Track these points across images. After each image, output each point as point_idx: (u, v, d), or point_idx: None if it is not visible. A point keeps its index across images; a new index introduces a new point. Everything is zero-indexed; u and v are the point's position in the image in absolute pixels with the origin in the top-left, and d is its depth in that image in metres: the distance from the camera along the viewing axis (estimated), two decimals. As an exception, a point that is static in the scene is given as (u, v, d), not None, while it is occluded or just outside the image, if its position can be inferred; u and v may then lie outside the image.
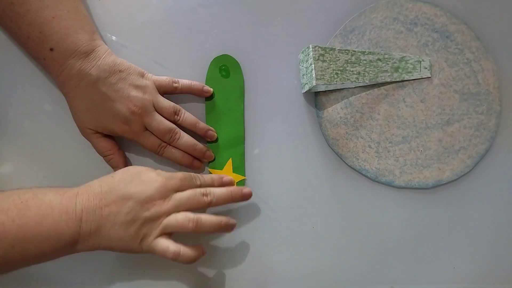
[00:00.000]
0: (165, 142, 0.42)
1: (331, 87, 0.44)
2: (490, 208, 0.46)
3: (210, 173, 0.44)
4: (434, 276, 0.45)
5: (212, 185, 0.42)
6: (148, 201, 0.37)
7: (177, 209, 0.38)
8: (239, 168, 0.45)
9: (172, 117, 0.42)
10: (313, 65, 0.41)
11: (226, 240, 0.45)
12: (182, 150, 0.42)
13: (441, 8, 0.45)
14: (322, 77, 0.41)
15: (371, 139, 0.45)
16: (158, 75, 0.43)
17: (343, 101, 0.45)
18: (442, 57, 0.45)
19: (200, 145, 0.43)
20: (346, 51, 0.42)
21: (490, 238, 0.46)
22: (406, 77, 0.44)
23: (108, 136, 0.42)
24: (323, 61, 0.41)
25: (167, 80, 0.42)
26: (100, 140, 0.41)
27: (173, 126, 0.41)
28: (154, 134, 0.41)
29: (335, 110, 0.45)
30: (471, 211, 0.46)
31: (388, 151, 0.45)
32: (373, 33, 0.45)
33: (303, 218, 0.45)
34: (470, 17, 0.45)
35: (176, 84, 0.43)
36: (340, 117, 0.45)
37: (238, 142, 0.45)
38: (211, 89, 0.44)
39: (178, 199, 0.38)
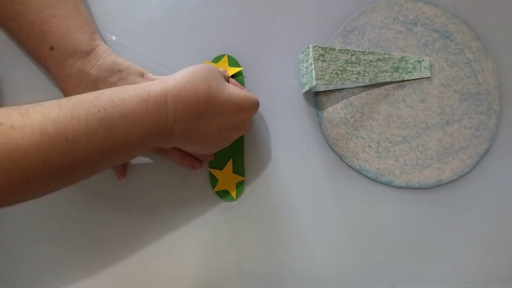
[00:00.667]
0: None
1: (331, 87, 0.44)
2: (490, 208, 0.46)
3: (210, 173, 0.44)
4: (434, 276, 0.45)
5: None
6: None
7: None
8: (239, 168, 0.45)
9: None
10: (313, 65, 0.41)
11: (226, 240, 0.45)
12: (182, 151, 0.42)
13: (441, 8, 0.45)
14: (322, 77, 0.41)
15: (371, 139, 0.45)
16: (158, 75, 0.43)
17: (343, 101, 0.45)
18: (442, 57, 0.45)
19: None
20: (346, 51, 0.42)
21: (490, 238, 0.46)
22: (406, 77, 0.44)
23: None
24: (323, 61, 0.41)
25: None
26: None
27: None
28: None
29: (335, 110, 0.45)
30: (471, 211, 0.46)
31: (388, 151, 0.45)
32: (373, 33, 0.45)
33: (303, 218, 0.45)
34: (470, 17, 0.45)
35: None
36: (340, 117, 0.45)
37: (238, 142, 0.45)
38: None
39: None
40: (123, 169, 0.43)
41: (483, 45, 0.45)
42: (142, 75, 0.41)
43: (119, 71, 0.39)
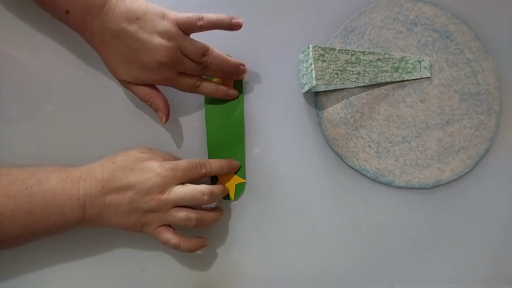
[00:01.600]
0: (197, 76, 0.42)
1: (331, 87, 0.44)
2: (490, 208, 0.46)
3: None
4: (434, 276, 0.45)
5: (220, 172, 0.43)
6: (147, 194, 0.38)
7: (177, 204, 0.39)
8: (240, 170, 0.45)
9: (200, 59, 0.41)
10: (313, 65, 0.41)
11: (226, 240, 0.45)
12: (216, 69, 0.43)
13: (441, 8, 0.45)
14: (322, 77, 0.41)
15: (371, 139, 0.45)
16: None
17: (343, 101, 0.45)
18: (442, 57, 0.45)
19: (232, 60, 0.43)
20: (346, 51, 0.42)
21: (490, 238, 0.46)
22: (406, 77, 0.44)
23: None
24: (323, 61, 0.41)
25: (190, 18, 0.40)
26: (138, 88, 0.41)
27: (200, 67, 0.41)
28: (187, 74, 0.41)
29: (335, 110, 0.45)
30: (471, 211, 0.46)
31: (388, 151, 0.45)
32: (373, 33, 0.45)
33: (303, 218, 0.45)
34: (470, 17, 0.45)
35: (200, 22, 0.40)
36: (340, 117, 0.45)
37: (238, 142, 0.45)
38: (241, 21, 0.41)
39: (176, 194, 0.39)
40: (166, 111, 0.42)
41: (483, 45, 0.45)
42: (162, 17, 0.39)
43: (137, 18, 0.38)
